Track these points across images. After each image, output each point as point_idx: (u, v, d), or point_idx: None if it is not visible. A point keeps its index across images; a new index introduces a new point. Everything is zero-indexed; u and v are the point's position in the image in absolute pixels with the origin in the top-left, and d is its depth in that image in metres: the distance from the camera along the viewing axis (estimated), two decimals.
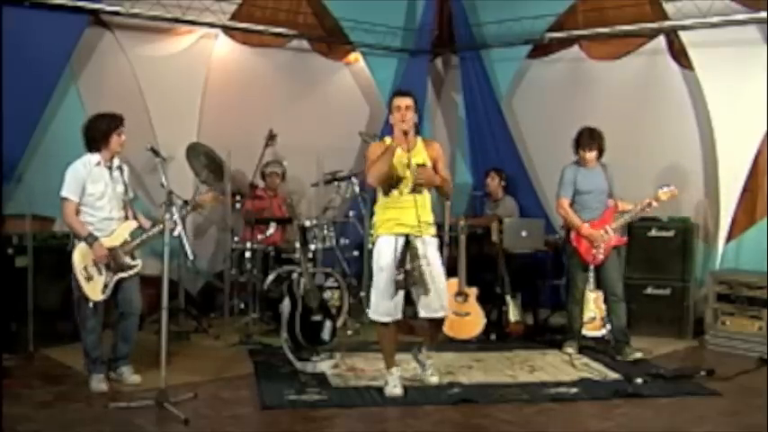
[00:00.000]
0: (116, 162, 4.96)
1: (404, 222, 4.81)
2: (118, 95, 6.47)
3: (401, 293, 4.82)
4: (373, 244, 4.95)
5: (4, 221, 5.76)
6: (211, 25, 6.94)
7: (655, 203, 5.88)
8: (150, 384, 4.84)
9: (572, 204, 5.94)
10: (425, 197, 4.89)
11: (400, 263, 4.75)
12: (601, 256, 5.86)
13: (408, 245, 4.78)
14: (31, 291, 5.67)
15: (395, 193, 4.83)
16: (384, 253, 4.82)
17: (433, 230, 4.95)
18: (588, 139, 5.89)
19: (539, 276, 7.18)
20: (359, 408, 4.74)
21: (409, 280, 4.74)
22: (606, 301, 5.96)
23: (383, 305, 4.84)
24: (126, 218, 4.99)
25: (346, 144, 7.85)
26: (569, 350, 6.02)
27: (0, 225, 5.67)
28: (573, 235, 5.94)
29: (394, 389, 4.89)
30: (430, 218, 4.94)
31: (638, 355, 5.80)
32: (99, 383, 4.85)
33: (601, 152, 5.94)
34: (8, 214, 5.86)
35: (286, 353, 5.50)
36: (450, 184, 5.05)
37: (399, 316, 4.89)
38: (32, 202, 5.91)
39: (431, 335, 5.19)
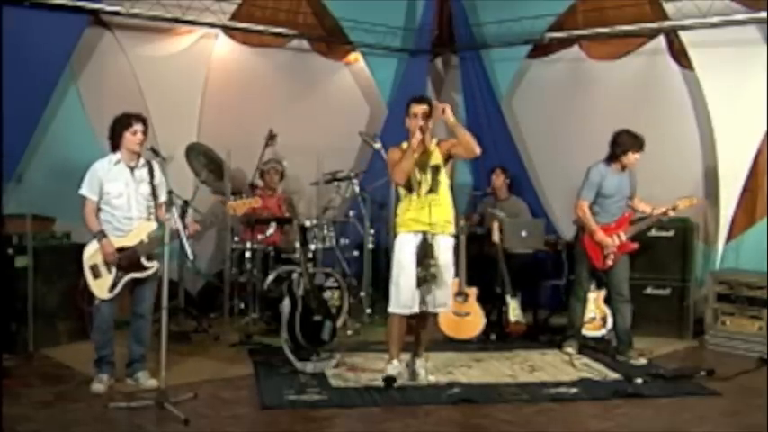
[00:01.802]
0: (141, 162, 4.93)
1: (422, 221, 4.99)
2: (118, 95, 6.46)
3: (419, 288, 4.97)
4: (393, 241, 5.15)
5: (4, 221, 5.76)
6: (211, 25, 6.94)
7: (672, 212, 5.88)
8: None
9: (592, 206, 5.86)
10: (442, 198, 5.06)
11: (420, 260, 4.93)
12: (609, 262, 5.84)
13: (425, 242, 4.97)
14: (31, 291, 5.67)
15: (414, 195, 5.01)
16: (404, 249, 5.01)
17: (449, 230, 5.11)
18: (638, 140, 5.74)
19: (539, 276, 7.17)
20: (359, 408, 4.74)
21: (427, 276, 4.92)
22: (611, 300, 5.95)
23: (404, 297, 4.97)
24: (149, 218, 4.93)
25: (346, 144, 7.85)
26: (569, 350, 6.02)
27: (0, 225, 5.66)
28: (585, 238, 5.90)
29: (392, 370, 5.01)
30: (447, 217, 5.10)
31: (642, 361, 5.79)
32: (96, 384, 4.82)
33: None
34: (8, 214, 5.85)
35: (286, 353, 5.49)
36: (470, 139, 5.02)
37: (416, 309, 5.01)
38: (32, 202, 5.91)
39: (421, 330, 5.26)
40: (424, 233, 4.99)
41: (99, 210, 4.83)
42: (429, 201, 4.99)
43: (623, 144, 5.77)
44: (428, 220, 4.98)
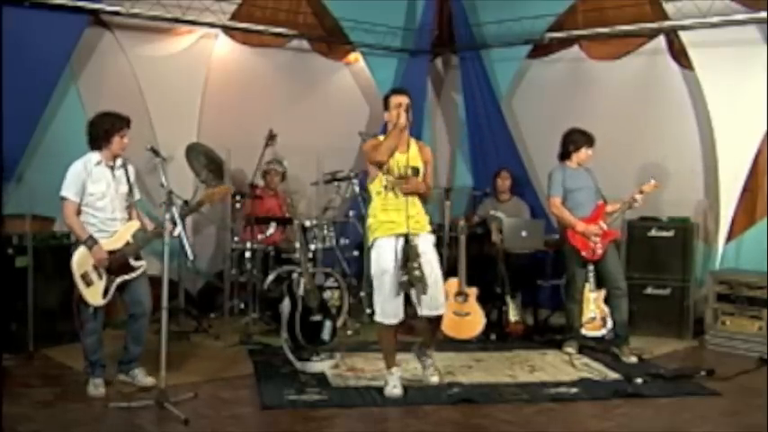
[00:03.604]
0: (119, 162, 4.90)
1: (400, 222, 4.85)
2: (118, 95, 6.46)
3: (402, 294, 4.86)
4: (370, 246, 4.99)
5: (4, 221, 5.76)
6: (211, 25, 6.94)
7: (639, 196, 5.92)
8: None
9: (564, 203, 5.97)
10: (418, 199, 4.96)
11: (404, 264, 4.78)
12: (599, 251, 5.86)
13: (408, 244, 4.82)
14: (31, 291, 5.67)
15: (391, 195, 4.87)
16: (385, 255, 4.85)
17: (428, 227, 5.00)
18: (588, 137, 5.99)
19: (539, 276, 7.17)
20: (359, 408, 4.74)
21: (413, 280, 4.75)
22: (608, 296, 5.93)
23: (389, 307, 4.85)
24: (129, 218, 4.95)
25: (346, 144, 7.85)
26: (569, 350, 6.02)
27: (0, 225, 5.66)
28: (569, 233, 5.94)
29: (393, 389, 4.89)
30: (424, 215, 5.00)
31: (633, 360, 5.81)
32: (96, 388, 4.79)
33: None
34: (8, 214, 5.86)
35: (286, 353, 5.50)
36: (431, 191, 5.14)
37: (402, 317, 4.92)
38: (32, 202, 5.91)
39: (432, 333, 5.20)
40: (406, 235, 4.82)
41: (79, 212, 4.77)
42: (406, 202, 4.85)
43: (575, 141, 6.01)
44: (407, 221, 4.82)
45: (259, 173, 7.09)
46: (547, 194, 6.09)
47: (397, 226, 4.84)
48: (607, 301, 6.01)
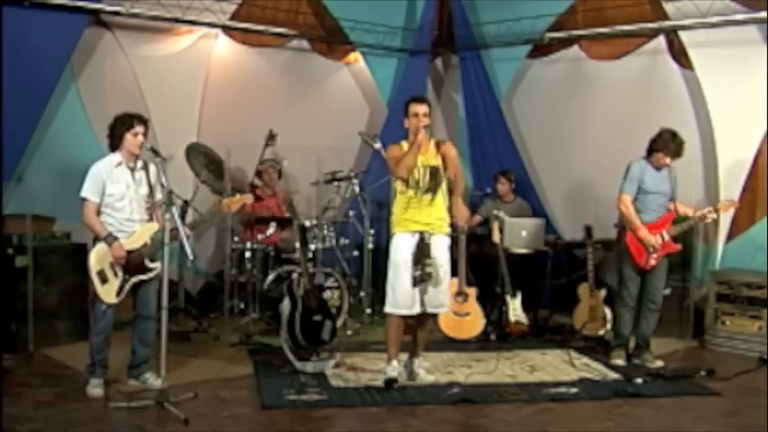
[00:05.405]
0: (140, 163, 4.89)
1: (419, 221, 5.01)
2: (118, 95, 6.46)
3: (417, 290, 4.98)
4: (391, 239, 5.15)
5: (4, 221, 5.76)
6: (211, 25, 6.93)
7: (714, 215, 5.77)
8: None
9: (633, 203, 5.70)
10: (439, 198, 5.08)
11: (417, 259, 4.93)
12: (653, 262, 5.67)
13: (422, 242, 4.96)
14: (31, 291, 5.67)
15: (411, 193, 5.02)
16: (401, 249, 5.02)
17: (446, 229, 5.13)
18: (672, 145, 5.62)
19: (539, 276, 7.17)
20: (359, 408, 4.75)
21: (424, 276, 4.91)
22: (641, 305, 5.81)
23: (401, 298, 4.98)
24: (150, 220, 4.92)
25: (346, 144, 7.85)
26: (618, 361, 5.76)
27: (0, 225, 5.66)
28: (628, 235, 5.71)
29: (392, 372, 5.00)
30: (443, 216, 5.12)
31: (659, 363, 5.71)
32: (94, 388, 4.77)
33: None
34: (8, 214, 5.85)
35: (286, 353, 5.50)
36: (461, 184, 5.31)
37: (417, 310, 5.02)
38: (32, 202, 5.91)
39: (420, 331, 5.26)
40: (422, 233, 5.00)
41: (99, 213, 4.78)
42: (426, 201, 5.01)
43: (658, 142, 5.66)
44: (425, 219, 5.01)
45: (254, 172, 7.07)
46: (619, 188, 5.75)
47: (415, 224, 5.01)
48: (607, 302, 5.99)
